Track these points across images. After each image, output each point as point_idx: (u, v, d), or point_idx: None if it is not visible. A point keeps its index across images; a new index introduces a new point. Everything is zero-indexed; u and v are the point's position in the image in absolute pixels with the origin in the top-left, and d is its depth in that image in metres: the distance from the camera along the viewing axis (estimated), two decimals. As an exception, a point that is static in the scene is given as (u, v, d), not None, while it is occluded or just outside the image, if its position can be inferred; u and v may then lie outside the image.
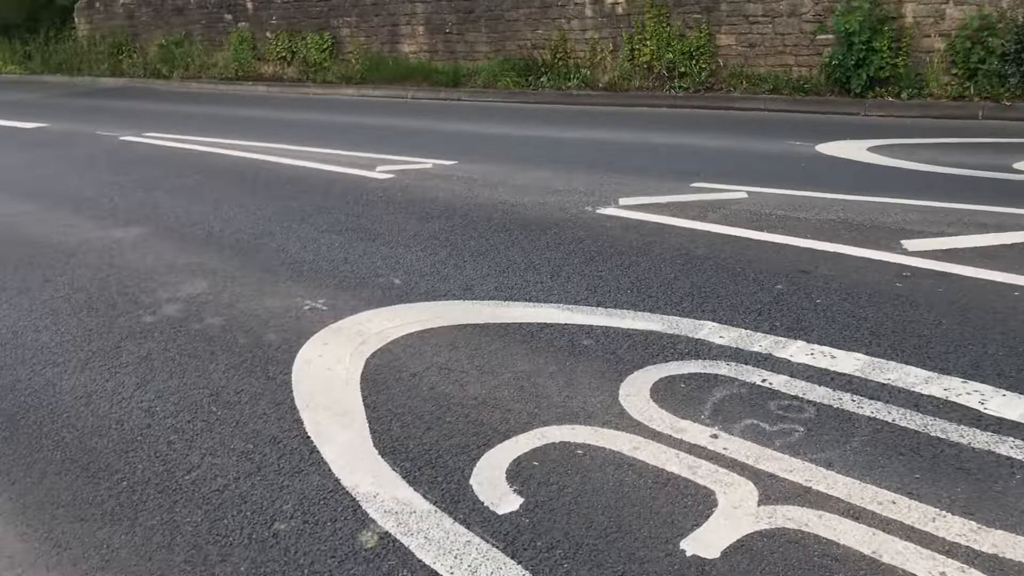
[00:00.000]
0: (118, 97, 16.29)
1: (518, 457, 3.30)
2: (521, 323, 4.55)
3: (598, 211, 6.54)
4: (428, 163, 8.50)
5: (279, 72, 16.44)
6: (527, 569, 2.70)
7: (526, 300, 4.87)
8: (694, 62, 12.09)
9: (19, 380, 4.34)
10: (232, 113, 13.13)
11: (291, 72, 16.28)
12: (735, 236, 5.78)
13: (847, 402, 3.55)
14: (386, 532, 2.91)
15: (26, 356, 4.62)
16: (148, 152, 10.11)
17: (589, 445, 3.34)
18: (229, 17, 17.29)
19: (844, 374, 3.79)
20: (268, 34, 16.62)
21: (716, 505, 2.94)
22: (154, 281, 5.64)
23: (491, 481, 3.16)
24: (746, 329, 4.30)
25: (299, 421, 3.70)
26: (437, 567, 2.73)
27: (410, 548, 2.83)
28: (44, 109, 14.69)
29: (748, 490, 3.01)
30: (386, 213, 6.85)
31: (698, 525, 2.85)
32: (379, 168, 8.36)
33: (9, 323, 5.10)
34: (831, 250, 5.41)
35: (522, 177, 7.75)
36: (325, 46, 15.76)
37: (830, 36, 11.00)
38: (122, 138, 11.09)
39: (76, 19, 20.41)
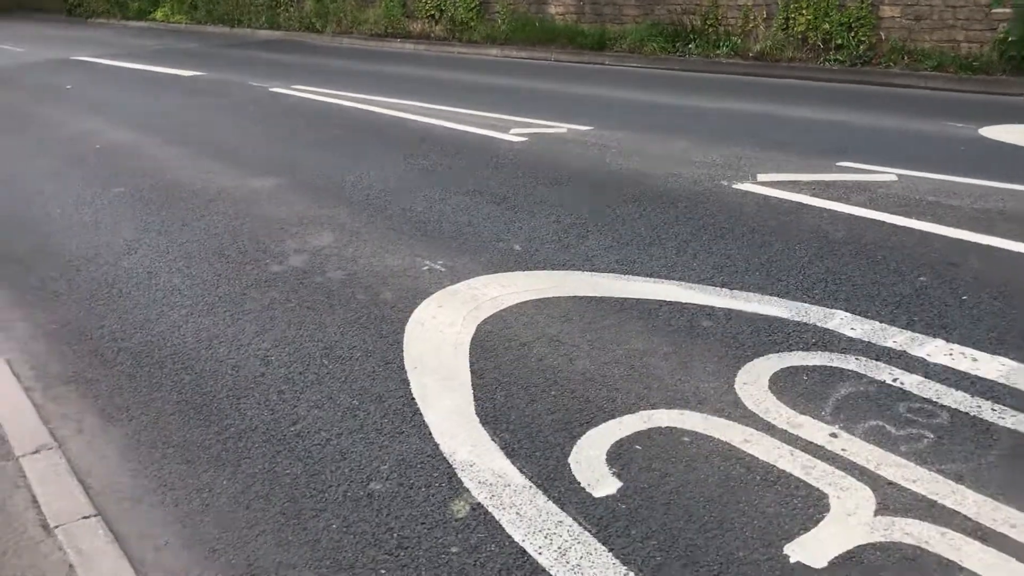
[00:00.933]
0: (272, 49, 16.80)
1: (621, 439, 3.17)
2: (639, 299, 4.39)
3: (734, 186, 6.26)
4: (563, 128, 8.35)
5: (426, 30, 16.57)
6: (617, 558, 2.59)
7: (647, 275, 4.70)
8: (852, 34, 11.41)
9: (148, 320, 4.51)
10: (377, 69, 13.31)
11: (438, 30, 16.37)
12: (879, 221, 5.40)
13: (986, 411, 3.24)
14: (478, 503, 2.86)
15: (157, 297, 4.80)
16: (294, 104, 10.36)
17: (697, 433, 3.19)
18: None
19: (985, 379, 3.47)
20: (418, -8, 16.75)
21: (828, 510, 2.74)
22: (284, 232, 5.76)
23: (590, 461, 3.05)
24: (881, 322, 4.00)
25: (405, 382, 3.68)
26: (526, 545, 2.66)
27: (501, 522, 2.76)
28: (203, 58, 15.30)
29: (865, 497, 2.79)
30: (514, 177, 6.77)
31: (806, 530, 2.67)
32: (513, 131, 8.28)
33: (147, 263, 5.32)
34: (984, 243, 4.98)
35: (658, 147, 7.51)
36: (473, 5, 15.75)
37: (1007, 10, 10.14)
38: (271, 89, 11.41)
39: (240, -28, 21.16)
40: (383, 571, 2.60)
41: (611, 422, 3.28)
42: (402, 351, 3.98)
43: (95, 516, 2.88)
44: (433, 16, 16.54)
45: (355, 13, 17.92)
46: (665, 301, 4.34)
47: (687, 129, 8.20)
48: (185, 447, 3.32)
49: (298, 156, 7.76)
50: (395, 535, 2.75)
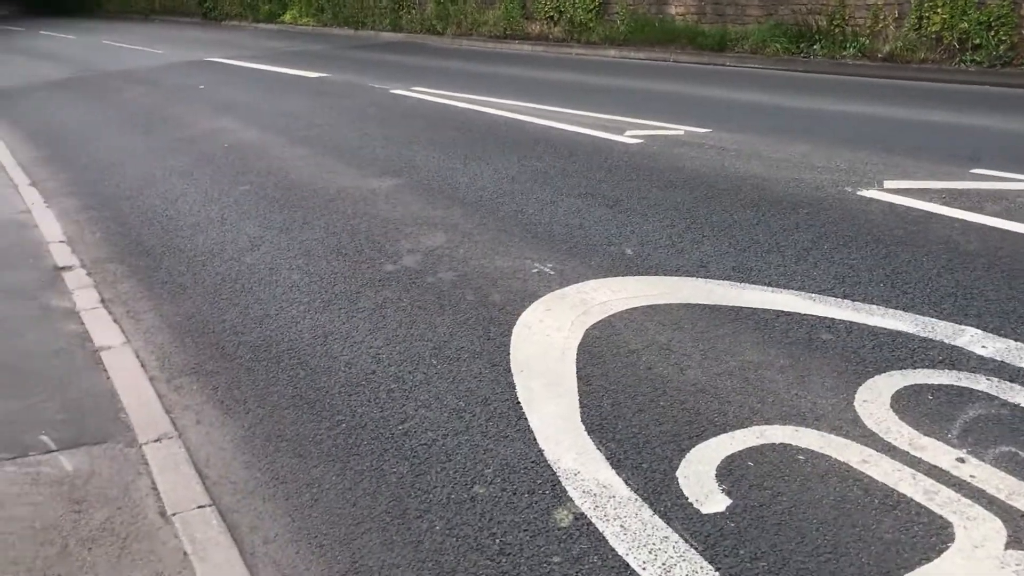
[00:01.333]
0: (394, 51, 17.15)
1: (732, 454, 3.08)
2: (755, 308, 4.26)
3: (858, 193, 6.01)
4: (680, 130, 8.21)
5: (545, 31, 16.59)
6: (724, 578, 2.51)
7: (765, 284, 4.55)
8: (992, 33, 10.82)
9: (268, 315, 4.64)
10: (495, 71, 13.41)
11: (556, 32, 16.37)
12: (1016, 232, 5.09)
13: None
14: (582, 513, 2.82)
15: (277, 293, 4.94)
16: (413, 106, 10.54)
17: (813, 451, 3.06)
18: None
19: None
20: (538, -7, 16.79)
21: (953, 540, 2.59)
22: (399, 232, 5.85)
23: (699, 476, 2.97)
24: (1016, 341, 3.76)
25: (511, 385, 3.67)
26: (629, 559, 2.60)
27: (604, 534, 2.72)
28: (328, 60, 15.74)
29: (994, 528, 2.62)
30: (628, 179, 6.68)
31: (928, 560, 2.52)
32: (628, 132, 8.18)
33: (268, 260, 5.49)
34: None
35: (779, 150, 7.29)
36: (592, 6, 15.68)
37: None
38: (392, 91, 11.63)
39: (365, -24, 21.68)
40: (484, 576, 2.59)
41: (722, 436, 3.18)
42: (509, 354, 3.97)
43: (210, 506, 2.97)
44: (552, 17, 16.55)
45: (475, 15, 18.11)
46: (783, 311, 4.20)
47: (810, 133, 7.94)
48: (297, 441, 3.40)
49: (415, 157, 7.88)
50: (497, 540, 2.74)
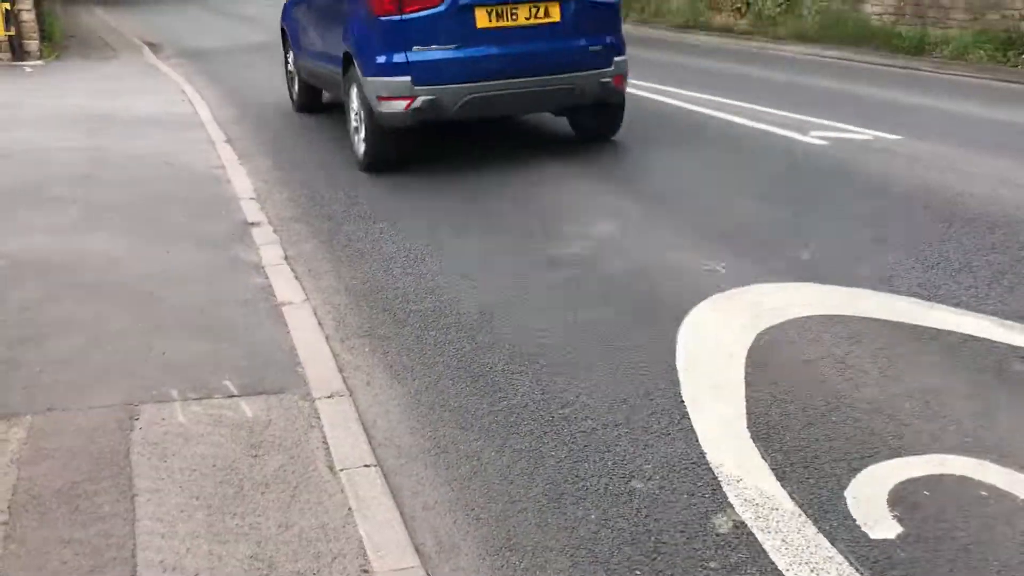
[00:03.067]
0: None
1: (907, 480, 2.92)
2: (941, 330, 4.02)
3: (1066, 216, 5.57)
4: (869, 134, 7.82)
5: (729, 23, 16.18)
6: (891, 609, 2.39)
7: (953, 305, 4.29)
8: None
9: (439, 287, 4.76)
10: (676, 60, 13.18)
11: (742, 24, 15.94)
12: None
13: None
14: (742, 522, 2.75)
15: (444, 266, 5.05)
16: (590, 90, 10.51)
17: (998, 489, 2.86)
18: (691, -36, 17.31)
19: None
20: (726, -17, 16.38)
21: None
22: (570, 216, 5.86)
23: (869, 499, 2.83)
24: None
25: (676, 383, 3.62)
26: (790, 575, 2.52)
27: (764, 546, 2.64)
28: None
29: None
30: (811, 181, 6.43)
31: (1124, 624, 2.32)
32: (813, 133, 7.87)
33: (444, 235, 5.61)
34: None
35: (976, 163, 6.83)
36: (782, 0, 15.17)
37: None
38: (569, 74, 11.63)
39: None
40: (638, 572, 2.57)
41: (897, 460, 3.02)
42: (675, 350, 3.91)
43: (375, 466, 3.08)
44: (739, 9, 16.11)
45: (659, 3, 17.86)
46: (971, 336, 3.94)
47: (1014, 147, 7.39)
48: (460, 412, 3.48)
49: (590, 143, 7.85)
50: (653, 538, 2.71)
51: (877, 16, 13.77)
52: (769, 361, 3.76)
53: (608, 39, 6.87)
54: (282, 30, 9.58)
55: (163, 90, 11.43)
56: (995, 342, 3.89)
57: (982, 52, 11.82)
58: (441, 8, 6.31)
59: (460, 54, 6.39)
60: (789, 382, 3.59)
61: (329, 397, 3.57)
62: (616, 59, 6.90)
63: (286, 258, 5.22)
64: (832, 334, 4.00)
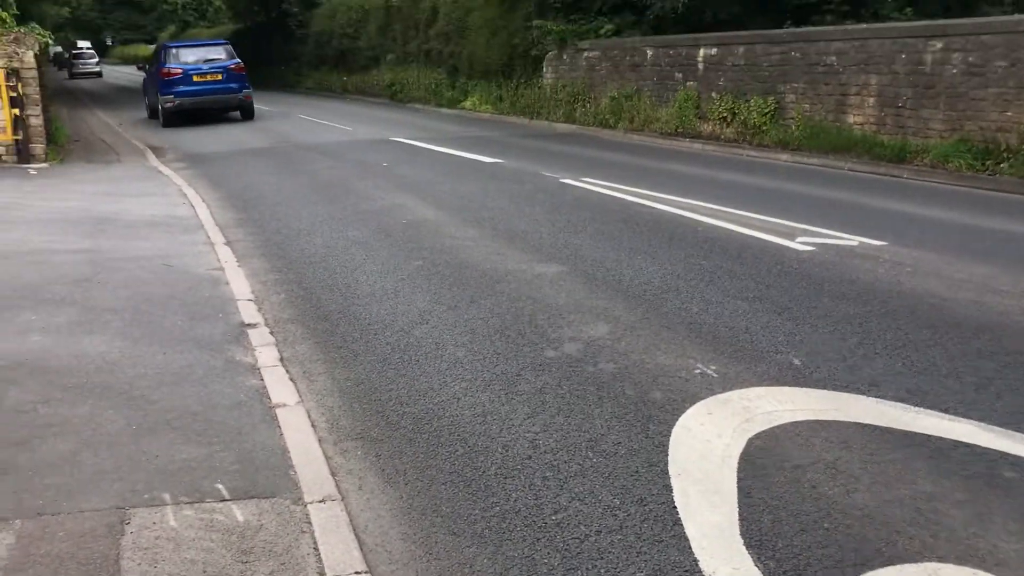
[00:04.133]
0: (566, 142, 17.59)
1: (900, 588, 2.92)
2: (931, 435, 4.06)
3: (1050, 323, 5.66)
4: (854, 240, 8.00)
5: (717, 132, 16.65)
6: None
7: (942, 411, 4.33)
8: None
9: (432, 388, 4.80)
10: (665, 167, 13.52)
11: (728, 132, 16.40)
12: None
13: None
14: (735, 631, 2.73)
15: (442, 367, 5.10)
16: (582, 195, 10.75)
17: (991, 598, 2.86)
18: (679, 76, 17.87)
19: None
20: (713, 95, 16.90)
21: None
22: (562, 318, 5.94)
23: (863, 607, 2.83)
24: None
25: (668, 488, 3.63)
26: None
27: (758, 656, 2.62)
28: (503, 147, 16.32)
29: None
30: (798, 287, 6.55)
31: None
32: (799, 238, 8.05)
33: (436, 335, 5.68)
34: None
35: (960, 270, 6.97)
36: (767, 110, 15.64)
37: None
38: (562, 180, 11.92)
39: (544, 68, 22.44)
40: None
41: (890, 568, 3.03)
42: (667, 455, 3.94)
43: (366, 573, 3.06)
44: (725, 119, 16.60)
45: (648, 112, 18.38)
46: (960, 442, 3.98)
47: (995, 254, 7.56)
48: (453, 518, 3.47)
49: (582, 245, 8.01)
50: (646, 647, 2.69)
51: (859, 126, 14.21)
52: (761, 466, 3.78)
53: (241, 83, 22.21)
54: (143, 84, 26.09)
55: (164, 193, 11.65)
56: (985, 448, 3.92)
57: (961, 161, 12.17)
58: (180, 76, 21.38)
59: (186, 88, 21.44)
60: (781, 488, 3.60)
61: (321, 501, 3.56)
62: (245, 90, 22.26)
63: (281, 359, 5.27)
64: (823, 439, 4.03)
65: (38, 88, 14.56)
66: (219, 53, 23.05)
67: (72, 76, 54.02)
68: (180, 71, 21.60)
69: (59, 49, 56.06)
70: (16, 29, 14.35)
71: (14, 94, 13.69)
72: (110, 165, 15.00)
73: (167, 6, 65.44)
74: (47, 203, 10.55)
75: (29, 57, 14.05)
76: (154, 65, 23.71)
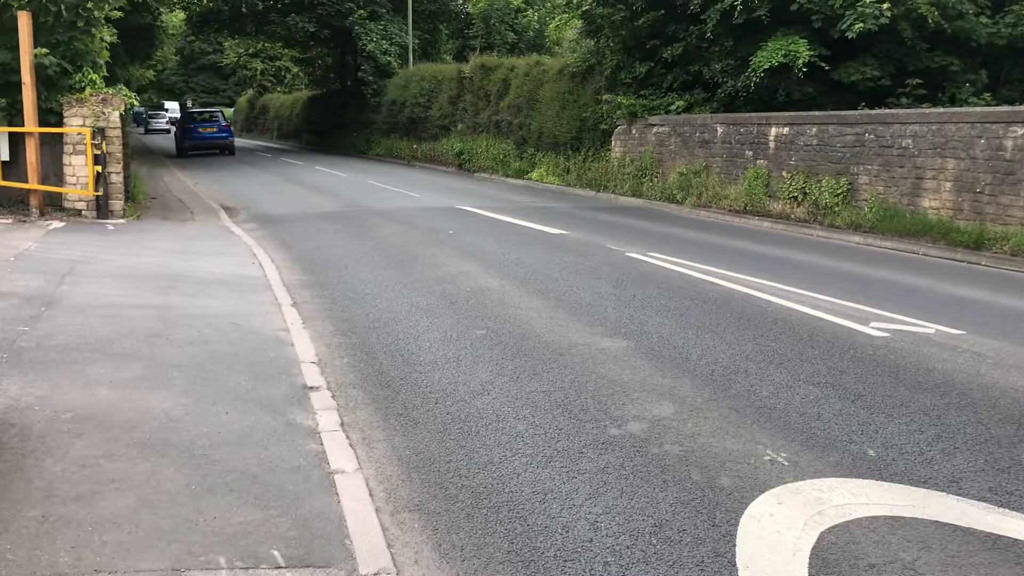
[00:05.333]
0: (632, 216, 17.59)
1: None
2: (1017, 539, 3.83)
3: None
4: (931, 328, 7.75)
5: (787, 211, 16.48)
6: None
7: (1028, 513, 4.10)
8: None
9: (491, 462, 4.71)
10: (733, 244, 13.39)
11: (799, 212, 16.22)
12: None
13: None
14: None
15: (502, 440, 5.02)
16: (648, 271, 10.67)
17: None
18: (749, 154, 17.82)
19: None
20: (784, 173, 16.78)
21: None
22: (626, 395, 5.82)
23: None
24: None
25: (736, 581, 3.47)
26: None
27: None
28: (569, 218, 16.38)
29: None
30: (872, 374, 6.34)
31: None
32: (873, 323, 7.83)
33: (497, 406, 5.61)
34: None
35: (1045, 364, 6.69)
36: (840, 191, 15.45)
37: None
38: (628, 254, 11.86)
39: (613, 142, 22.61)
40: None
41: None
42: (734, 545, 3.78)
43: (420, 652, 2.96)
44: (795, 198, 16.44)
45: (716, 188, 18.33)
46: (1051, 549, 3.74)
47: (1082, 348, 7.24)
48: (510, 601, 3.36)
49: (647, 321, 7.91)
50: None
51: (935, 211, 13.94)
52: (834, 563, 3.60)
53: (228, 132, 37.83)
54: (175, 134, 41.25)
55: (235, 252, 11.89)
56: (1077, 557, 3.68)
57: (1044, 249, 11.81)
58: (192, 128, 37.10)
59: (196, 139, 36.71)
60: (856, 588, 3.42)
61: (376, 574, 3.48)
62: (229, 138, 37.45)
63: (342, 424, 5.24)
64: (899, 537, 3.83)
65: (121, 147, 15.12)
66: (217, 116, 39.10)
67: (148, 132, 64.22)
68: (192, 126, 37.61)
69: (140, 108, 61.16)
70: (105, 90, 14.97)
71: (98, 152, 14.22)
72: (184, 223, 15.42)
73: (247, 72, 67.91)
74: (123, 258, 10.84)
75: (115, 117, 14.63)
76: (182, 118, 42.66)
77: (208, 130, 37.01)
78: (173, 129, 42.44)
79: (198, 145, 36.51)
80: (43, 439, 4.73)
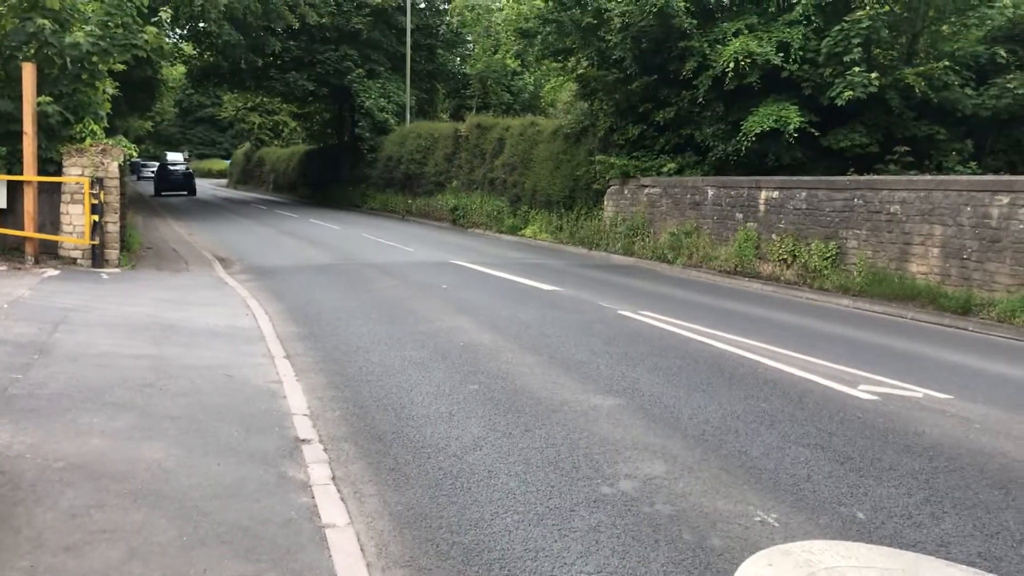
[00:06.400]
0: (624, 274, 17.73)
1: None
2: (1006, 605, 3.85)
3: None
4: (919, 392, 7.82)
5: (776, 273, 16.65)
6: None
7: (1017, 578, 4.12)
8: None
9: (483, 519, 4.71)
10: (723, 305, 13.50)
11: (788, 274, 16.39)
12: None
13: None
14: None
15: (494, 497, 5.03)
16: (639, 329, 10.74)
17: None
18: (740, 216, 18.05)
19: None
20: (774, 236, 16.99)
21: None
22: (618, 454, 5.85)
23: None
24: None
25: (727, 642, 3.47)
26: None
27: None
28: (562, 275, 16.50)
29: None
30: (861, 437, 6.38)
31: None
32: (862, 386, 7.89)
33: (489, 462, 5.63)
34: None
35: (1032, 430, 6.74)
36: (829, 255, 15.64)
37: None
38: (620, 312, 11.95)
39: (605, 201, 22.88)
40: None
41: None
42: (726, 606, 3.78)
43: None
44: (785, 260, 16.62)
45: (707, 249, 18.52)
46: (1039, 615, 3.76)
47: (1069, 415, 7.31)
48: (500, 659, 3.35)
49: (639, 379, 7.95)
50: None
51: (923, 275, 14.10)
52: (824, 626, 3.60)
53: (190, 179, 50.70)
54: (154, 178, 52.47)
55: (228, 303, 11.93)
56: (1065, 623, 3.70)
57: (1030, 316, 11.94)
58: (167, 174, 50.14)
59: (168, 179, 49.81)
60: (846, 651, 3.42)
61: (367, 630, 3.47)
62: (191, 182, 50.47)
63: (334, 478, 5.25)
64: (890, 601, 3.84)
65: (119, 196, 15.24)
66: (181, 164, 53.20)
67: (139, 178, 68.94)
68: (165, 174, 50.17)
69: (138, 159, 63.54)
70: (105, 141, 15.14)
71: (95, 201, 14.32)
72: (178, 273, 15.47)
73: (244, 125, 68.62)
74: (116, 308, 10.86)
75: (114, 168, 14.77)
76: (159, 168, 52.69)
77: (176, 177, 50.30)
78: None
79: (169, 187, 49.42)
80: (33, 487, 4.72)
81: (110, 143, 15.16)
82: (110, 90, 15.77)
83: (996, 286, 12.92)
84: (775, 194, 17.25)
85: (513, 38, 24.32)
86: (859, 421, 6.81)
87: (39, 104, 13.86)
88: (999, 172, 16.01)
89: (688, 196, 19.78)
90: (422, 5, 42.04)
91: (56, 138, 14.57)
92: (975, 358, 9.88)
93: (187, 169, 51.73)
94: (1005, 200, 12.79)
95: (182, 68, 43.25)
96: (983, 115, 16.88)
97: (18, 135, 14.04)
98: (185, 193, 49.24)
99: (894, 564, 4.23)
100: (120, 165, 15.12)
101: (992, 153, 17.45)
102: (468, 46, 46.38)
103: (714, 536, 4.53)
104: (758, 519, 4.76)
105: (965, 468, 5.78)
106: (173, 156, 74.29)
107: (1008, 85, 16.58)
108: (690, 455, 5.87)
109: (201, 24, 33.54)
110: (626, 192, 22.05)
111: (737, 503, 5.00)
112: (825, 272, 15.66)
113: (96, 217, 14.41)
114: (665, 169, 20.70)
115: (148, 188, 53.93)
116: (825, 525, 4.71)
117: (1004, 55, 17.23)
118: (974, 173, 15.88)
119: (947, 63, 16.86)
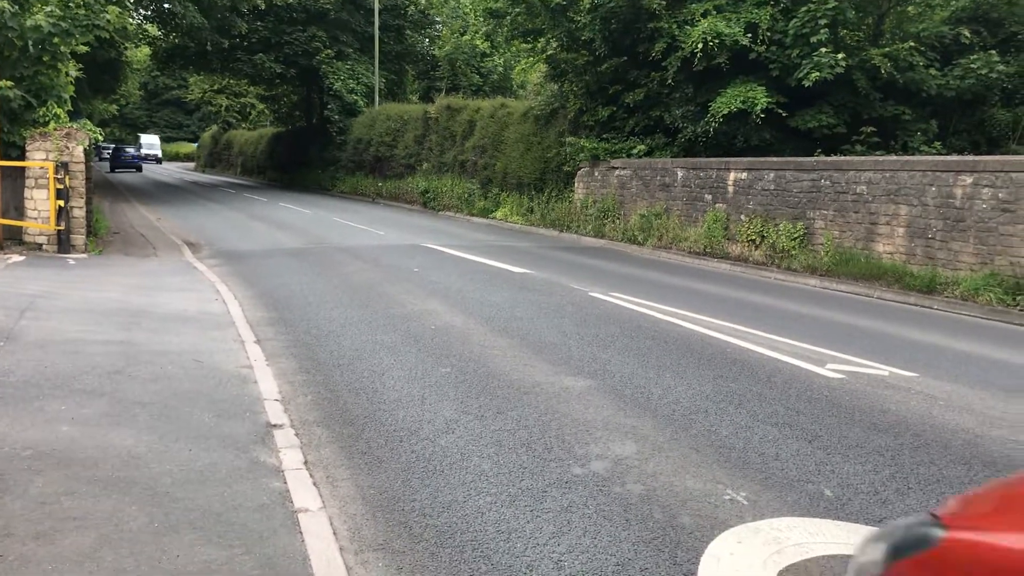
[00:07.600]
0: (595, 256, 17.79)
1: None
2: (968, 577, 3.93)
3: (1088, 465, 5.54)
4: (884, 370, 7.94)
5: (745, 253, 16.80)
6: None
7: (978, 551, 4.21)
8: None
9: (456, 501, 4.74)
10: (693, 286, 13.61)
11: (757, 255, 16.53)
12: None
13: None
14: None
15: (466, 479, 5.05)
16: (610, 310, 10.80)
17: None
18: (709, 198, 18.17)
19: None
20: (743, 217, 17.13)
21: None
22: (589, 434, 5.89)
23: None
24: None
25: (697, 619, 3.53)
26: None
27: None
28: (533, 258, 16.53)
29: None
30: (828, 415, 6.48)
31: None
32: (829, 365, 8.00)
33: (461, 444, 5.65)
34: None
35: (993, 407, 6.88)
36: (796, 235, 15.80)
37: None
38: (590, 294, 12.00)
39: (576, 183, 22.92)
40: None
41: None
42: (696, 583, 3.84)
43: None
44: (754, 241, 16.76)
45: (677, 231, 18.63)
46: (999, 586, 3.85)
47: (1030, 391, 7.46)
48: (474, 639, 3.38)
49: (610, 361, 8.01)
50: None
51: (888, 255, 14.29)
52: (792, 601, 3.67)
53: (139, 159, 63.92)
54: (110, 159, 61.93)
55: (198, 288, 11.84)
56: (1024, 594, 3.79)
57: (992, 295, 12.16)
58: (122, 154, 61.36)
59: (124, 159, 60.94)
60: (813, 625, 3.49)
61: (341, 613, 3.49)
62: (139, 161, 63.01)
63: (306, 463, 5.25)
64: (856, 575, 3.92)
65: (84, 181, 15.03)
66: (134, 149, 64.82)
67: (101, 159, 71.59)
68: (119, 154, 60.48)
69: (106, 144, 65.45)
70: (69, 125, 14.91)
71: (60, 186, 14.13)
72: (147, 259, 15.31)
73: (211, 108, 67.83)
74: (84, 294, 10.74)
75: (79, 152, 14.57)
76: (113, 150, 62.40)
77: (127, 157, 61.16)
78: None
79: (121, 164, 59.70)
80: (1, 476, 4.68)
81: (75, 127, 14.94)
82: (73, 72, 15.51)
83: (960, 265, 13.12)
84: (744, 175, 17.37)
85: (482, 18, 24.20)
86: (826, 399, 6.91)
87: (0, 89, 13.62)
88: (963, 152, 16.22)
89: (658, 178, 19.86)
90: (390, -15, 41.71)
91: (19, 122, 14.33)
92: (940, 336, 10.04)
93: (137, 151, 65.48)
94: (968, 180, 12.97)
95: (147, 50, 42.68)
96: (947, 95, 17.08)
97: (-21, 119, 13.80)
98: (134, 170, 60.02)
99: (858, 539, 4.30)
100: (85, 149, 14.91)
101: (956, 133, 17.68)
102: (437, 27, 46.10)
103: (684, 515, 4.59)
104: (727, 497, 4.83)
105: (930, 444, 5.89)
106: (148, 139, 78.75)
107: (972, 66, 16.78)
108: (660, 435, 5.93)
109: (165, 4, 33.06)
110: (596, 174, 22.08)
111: (707, 482, 5.07)
112: (793, 252, 15.81)
113: (61, 202, 14.22)
114: (635, 151, 20.76)
115: (105, 167, 60.68)
116: (793, 502, 4.79)
117: (968, 35, 17.42)
118: (939, 153, 16.08)
119: (912, 44, 17.03)
